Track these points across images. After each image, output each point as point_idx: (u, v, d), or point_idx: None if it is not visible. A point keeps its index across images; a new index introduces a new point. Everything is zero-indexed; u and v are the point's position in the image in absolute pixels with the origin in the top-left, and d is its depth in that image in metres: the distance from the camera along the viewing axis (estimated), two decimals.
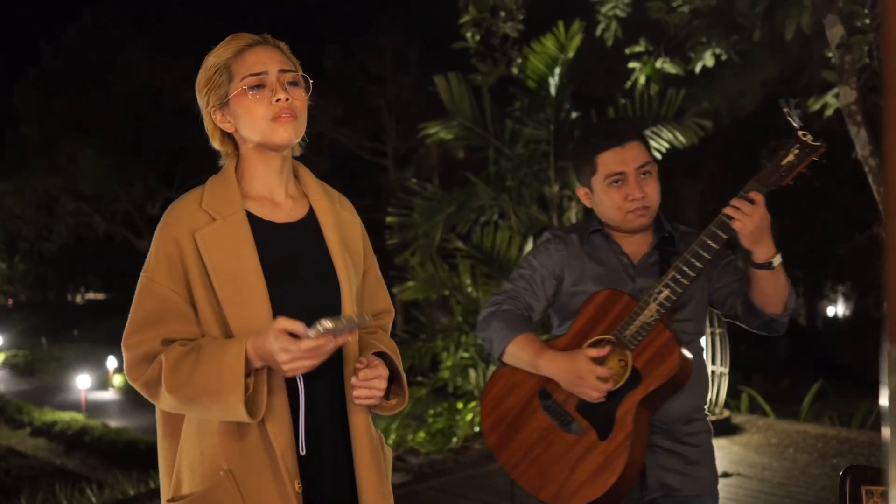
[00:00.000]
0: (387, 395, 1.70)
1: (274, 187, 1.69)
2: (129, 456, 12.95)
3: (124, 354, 1.60)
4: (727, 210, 1.90)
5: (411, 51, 24.84)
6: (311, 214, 1.72)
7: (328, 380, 1.62)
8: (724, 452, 5.60)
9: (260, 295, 1.57)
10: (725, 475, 5.00)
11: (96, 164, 27.55)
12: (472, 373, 7.36)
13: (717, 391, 6.25)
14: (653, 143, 6.89)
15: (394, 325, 2.03)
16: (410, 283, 7.38)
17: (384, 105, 24.60)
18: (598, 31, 5.60)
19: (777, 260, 1.93)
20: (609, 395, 1.97)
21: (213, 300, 1.58)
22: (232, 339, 1.54)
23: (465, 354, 7.52)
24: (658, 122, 6.85)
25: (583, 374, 1.94)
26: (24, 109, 28.57)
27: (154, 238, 1.65)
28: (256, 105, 1.61)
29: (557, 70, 6.94)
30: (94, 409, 17.82)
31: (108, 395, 20.26)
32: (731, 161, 15.20)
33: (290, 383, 1.58)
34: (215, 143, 1.72)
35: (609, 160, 2.07)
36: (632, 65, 5.64)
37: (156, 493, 5.02)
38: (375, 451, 1.66)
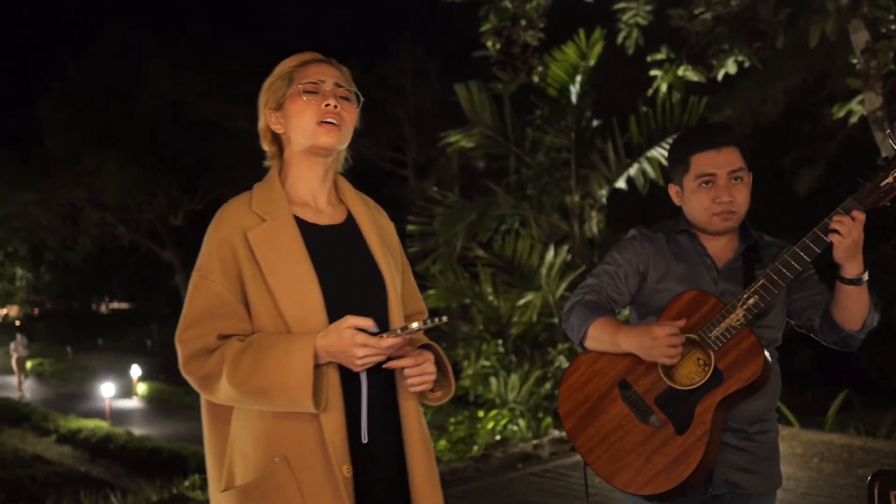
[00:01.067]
0: (432, 387, 1.79)
1: (317, 193, 1.80)
2: (153, 463, 13.02)
3: (179, 349, 1.68)
4: (832, 224, 1.95)
5: (431, 62, 24.96)
6: (351, 219, 1.82)
7: (381, 370, 1.69)
8: None
9: (314, 290, 1.66)
10: None
11: (120, 175, 27.84)
12: (492, 381, 7.34)
13: None
14: None
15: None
16: (431, 292, 7.39)
17: (405, 116, 24.69)
18: (620, 39, 5.60)
19: (866, 276, 1.99)
20: (689, 392, 2.03)
21: (266, 296, 1.65)
22: (296, 335, 1.62)
23: (486, 363, 7.51)
24: (680, 130, 6.83)
25: (657, 335, 1.98)
26: (49, 123, 28.96)
27: (206, 238, 1.74)
28: (307, 107, 1.73)
29: (578, 78, 6.95)
30: (118, 416, 17.94)
31: (132, 403, 20.41)
32: (753, 169, 15.09)
33: (343, 373, 1.66)
34: (265, 144, 1.84)
35: (703, 161, 2.12)
36: (653, 73, 5.63)
37: (179, 498, 5.04)
38: (426, 438, 1.77)
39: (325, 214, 1.79)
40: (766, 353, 2.03)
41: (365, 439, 1.65)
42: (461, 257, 7.50)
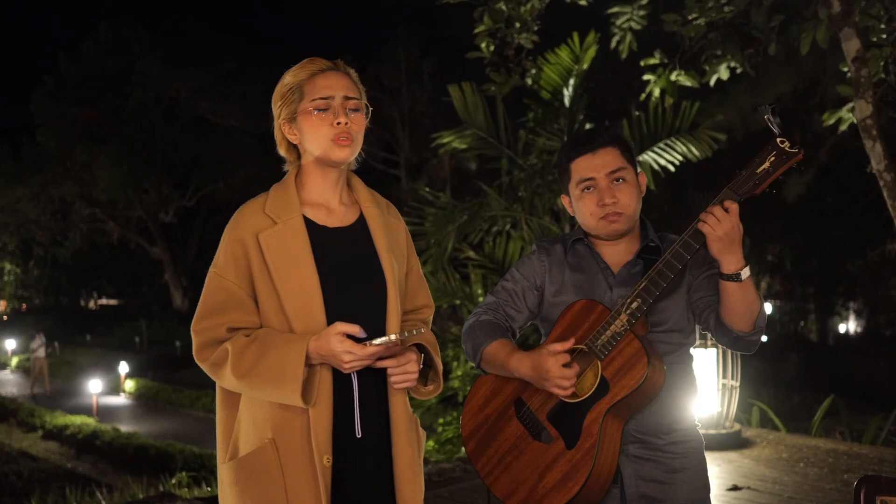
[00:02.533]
0: (425, 382, 1.95)
1: (329, 196, 1.91)
2: (139, 460, 13.00)
3: (194, 338, 1.83)
4: (702, 216, 1.89)
5: (425, 63, 24.97)
6: (362, 220, 1.93)
7: (371, 370, 1.83)
8: (735, 466, 5.58)
9: (315, 291, 1.79)
10: (735, 488, 4.99)
11: (111, 171, 27.76)
12: None
13: (728, 405, 6.23)
14: (666, 155, 6.89)
15: None
16: None
17: (398, 116, 24.71)
18: (613, 43, 5.62)
19: (745, 273, 1.90)
20: (578, 405, 1.98)
21: (272, 295, 1.80)
22: (295, 335, 1.78)
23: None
24: (672, 135, 6.86)
25: (549, 366, 1.94)
26: (40, 117, 28.84)
27: (223, 237, 1.86)
28: (320, 124, 1.83)
29: (572, 81, 6.96)
30: (105, 413, 17.89)
31: (120, 399, 20.35)
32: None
33: (336, 372, 1.80)
34: (281, 151, 1.95)
35: (580, 166, 2.09)
36: (646, 77, 5.66)
37: (166, 495, 5.05)
38: (411, 430, 1.89)
39: (337, 216, 1.90)
40: (654, 360, 1.95)
41: (359, 434, 1.81)
42: (452, 258, 7.50)
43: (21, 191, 28.62)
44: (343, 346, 1.71)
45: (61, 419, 16.24)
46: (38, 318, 36.62)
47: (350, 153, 1.86)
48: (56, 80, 29.59)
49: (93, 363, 23.78)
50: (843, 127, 5.49)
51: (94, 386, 18.25)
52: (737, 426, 6.36)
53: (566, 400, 1.99)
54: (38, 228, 30.63)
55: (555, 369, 1.93)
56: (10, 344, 28.27)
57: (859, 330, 24.80)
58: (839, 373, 16.83)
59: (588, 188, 2.08)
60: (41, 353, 21.60)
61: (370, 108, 1.91)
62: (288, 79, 1.88)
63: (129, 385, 20.83)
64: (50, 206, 29.60)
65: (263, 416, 1.80)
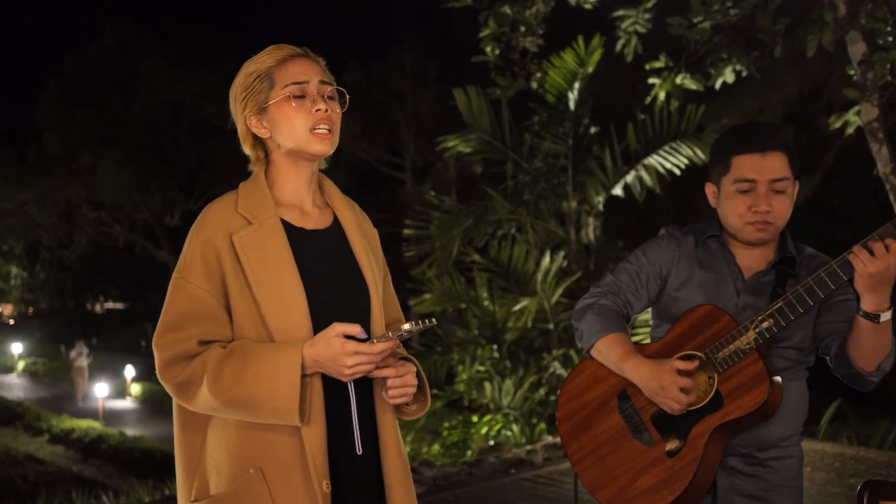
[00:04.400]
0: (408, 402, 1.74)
1: (303, 196, 1.73)
2: (145, 464, 13.00)
3: (156, 354, 1.61)
4: (855, 249, 1.76)
5: (431, 66, 24.98)
6: (337, 223, 1.75)
7: (363, 382, 1.66)
8: None
9: (299, 297, 1.60)
10: None
11: (117, 174, 27.82)
12: (487, 386, 7.34)
13: None
14: (672, 158, 6.88)
15: (410, 339, 2.02)
16: (427, 296, 7.39)
17: (403, 120, 24.71)
18: (618, 47, 5.61)
19: (885, 316, 1.78)
20: (686, 413, 1.91)
21: (250, 302, 1.59)
22: (282, 344, 1.56)
23: (481, 368, 7.51)
24: (677, 138, 6.85)
25: (666, 384, 1.88)
26: (46, 120, 28.93)
27: (189, 240, 1.66)
28: (296, 113, 1.64)
29: (577, 85, 6.96)
30: (111, 417, 17.91)
31: (126, 403, 20.37)
32: None
33: (326, 385, 1.61)
34: (246, 148, 1.76)
35: (744, 164, 1.94)
36: (651, 80, 5.65)
37: (171, 499, 5.04)
38: (402, 450, 1.71)
39: (312, 218, 1.73)
40: (775, 381, 1.87)
41: (360, 451, 1.63)
42: (457, 262, 7.50)
43: (27, 194, 28.71)
44: (347, 346, 1.51)
45: (67, 423, 16.27)
46: (45, 321, 36.71)
47: (330, 147, 1.67)
48: (61, 84, 29.68)
49: (99, 367, 23.78)
50: (850, 130, 5.47)
51: (99, 389, 18.27)
52: None
53: None
54: (44, 232, 30.70)
55: (672, 389, 1.87)
56: (17, 348, 28.31)
57: None
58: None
59: (746, 190, 1.94)
60: (81, 362, 20.51)
61: (347, 96, 1.72)
62: (252, 66, 1.70)
63: (136, 389, 20.85)
64: (56, 209, 29.67)
65: (241, 442, 1.58)
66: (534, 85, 6.69)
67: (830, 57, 5.49)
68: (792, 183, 1.97)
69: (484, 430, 7.24)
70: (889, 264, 1.73)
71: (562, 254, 7.24)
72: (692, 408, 1.91)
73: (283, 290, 1.59)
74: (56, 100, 29.01)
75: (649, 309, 2.20)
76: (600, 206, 7.39)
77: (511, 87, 6.00)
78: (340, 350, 1.52)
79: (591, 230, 7.38)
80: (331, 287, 1.67)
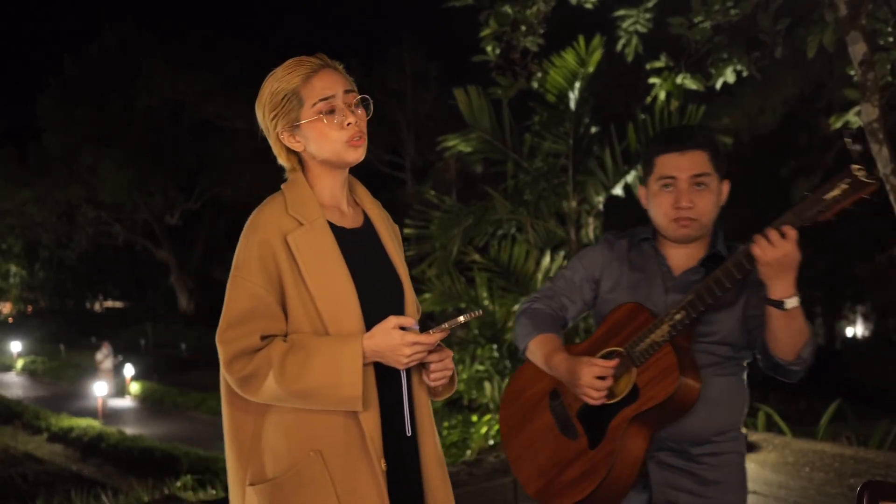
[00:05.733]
0: None
1: (339, 197, 1.85)
2: (145, 463, 13.00)
3: (221, 349, 1.70)
4: (755, 237, 1.80)
5: (431, 66, 25.00)
6: (368, 222, 1.89)
7: (406, 369, 1.79)
8: None
9: (350, 291, 1.73)
10: None
11: (117, 174, 27.85)
12: (487, 386, 7.35)
13: None
14: None
15: None
16: (427, 296, 7.39)
17: (403, 119, 24.73)
18: (619, 47, 5.61)
19: (791, 303, 1.81)
20: (607, 408, 1.96)
21: (306, 296, 1.71)
22: (342, 337, 1.69)
23: (481, 367, 7.51)
24: None
25: (581, 376, 1.94)
26: (46, 120, 28.95)
27: (244, 242, 1.75)
28: (329, 129, 1.75)
29: (577, 84, 6.96)
30: (110, 416, 17.91)
31: (125, 402, 20.37)
32: (750, 179, 15.15)
33: (378, 371, 1.73)
34: (281, 160, 1.85)
35: (665, 163, 2.03)
36: (652, 80, 5.65)
37: (170, 498, 5.04)
38: (434, 428, 1.86)
39: (348, 218, 1.85)
40: (688, 375, 1.90)
41: (409, 432, 1.76)
42: (457, 261, 7.50)
43: (27, 193, 28.73)
44: (405, 338, 1.65)
45: (66, 422, 16.27)
46: (44, 320, 36.72)
47: (363, 153, 1.79)
48: (61, 83, 29.71)
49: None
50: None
51: (99, 388, 18.27)
52: (743, 430, 6.34)
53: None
54: (44, 231, 30.74)
55: (586, 378, 1.93)
56: (16, 346, 28.33)
57: (867, 334, 24.73)
58: (846, 377, 16.76)
59: (667, 186, 2.02)
60: (108, 364, 19.79)
61: (371, 101, 1.82)
62: (279, 86, 1.76)
63: (135, 388, 20.85)
64: (56, 208, 29.70)
65: (299, 426, 1.69)
66: (534, 84, 6.69)
67: (831, 57, 5.49)
68: (716, 180, 2.02)
69: (484, 430, 7.24)
70: (786, 251, 1.76)
71: (562, 253, 7.24)
72: (612, 401, 1.96)
73: (335, 286, 1.71)
74: (56, 100, 29.02)
75: None
76: (600, 206, 7.39)
77: (512, 86, 6.00)
78: (400, 341, 1.65)
79: (591, 230, 7.38)
80: (373, 282, 1.79)
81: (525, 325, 2.15)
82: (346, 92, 1.76)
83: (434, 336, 1.68)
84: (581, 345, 2.11)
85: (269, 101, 1.78)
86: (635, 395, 1.94)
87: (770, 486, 5.16)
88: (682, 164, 2.00)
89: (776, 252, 1.76)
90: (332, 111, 1.74)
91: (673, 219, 2.01)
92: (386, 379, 1.74)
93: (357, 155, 1.77)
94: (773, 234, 1.77)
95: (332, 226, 1.78)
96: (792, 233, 1.77)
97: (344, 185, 1.85)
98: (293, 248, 1.71)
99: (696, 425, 1.98)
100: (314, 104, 1.74)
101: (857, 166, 1.76)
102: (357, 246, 1.81)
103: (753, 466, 5.69)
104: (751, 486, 5.15)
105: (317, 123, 1.74)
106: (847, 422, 8.09)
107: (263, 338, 1.69)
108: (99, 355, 20.03)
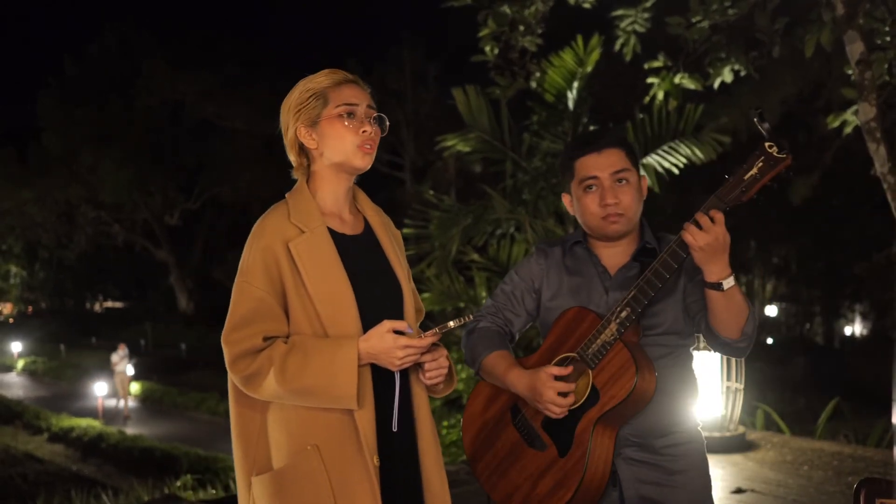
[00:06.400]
0: None
1: (342, 205, 1.94)
2: (145, 462, 13.01)
3: (226, 349, 1.80)
4: (685, 225, 1.84)
5: (430, 66, 25.01)
6: (368, 228, 1.97)
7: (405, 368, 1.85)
8: (739, 469, 5.57)
9: (348, 297, 1.81)
10: (739, 491, 4.98)
11: (117, 174, 27.84)
12: None
13: (733, 407, 6.22)
14: (670, 158, 6.89)
15: None
16: (426, 295, 7.40)
17: (402, 119, 24.74)
18: (617, 46, 5.62)
19: (728, 283, 1.86)
20: (570, 413, 1.97)
21: (306, 301, 1.80)
22: (339, 339, 1.78)
23: None
24: (676, 137, 6.85)
25: (543, 390, 1.95)
26: (46, 120, 28.94)
27: (249, 247, 1.85)
28: (346, 131, 1.86)
29: (576, 84, 6.97)
30: (110, 415, 17.92)
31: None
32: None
33: (374, 371, 1.81)
34: (292, 156, 1.93)
35: (584, 165, 2.08)
36: (650, 80, 5.66)
37: (170, 498, 5.06)
38: (433, 426, 1.93)
39: (349, 224, 1.93)
40: (644, 369, 1.93)
41: (395, 428, 1.82)
42: (456, 261, 7.51)
43: (27, 194, 28.73)
44: (398, 341, 1.74)
45: (66, 422, 16.29)
46: (44, 320, 36.73)
47: (370, 162, 1.90)
48: (61, 83, 29.70)
49: (98, 366, 23.79)
50: (848, 130, 5.48)
51: (99, 388, 18.28)
52: (741, 429, 6.36)
53: None
54: (44, 231, 30.74)
55: (548, 394, 1.95)
56: (17, 347, 28.35)
57: (865, 332, 24.76)
58: (845, 375, 16.79)
59: (591, 187, 2.06)
60: (122, 367, 18.78)
61: (387, 122, 1.94)
62: (309, 85, 1.88)
63: (135, 388, 20.86)
64: (55, 208, 29.70)
65: (299, 422, 1.79)
66: (533, 84, 6.70)
67: (829, 56, 5.51)
68: (636, 175, 2.08)
69: None
70: (717, 234, 1.80)
71: None
72: (573, 407, 1.97)
73: (334, 290, 1.80)
74: (56, 99, 29.01)
75: None
76: None
77: (510, 86, 6.02)
78: (393, 344, 1.74)
79: None
80: (372, 286, 1.88)
81: (474, 345, 2.16)
82: (370, 107, 1.89)
83: (425, 340, 1.76)
84: (533, 356, 2.11)
85: (296, 98, 1.89)
86: (596, 396, 1.95)
87: (769, 485, 5.18)
88: (602, 163, 2.06)
89: (707, 237, 1.80)
90: (353, 116, 1.86)
91: (602, 217, 2.05)
92: (383, 379, 1.83)
93: (365, 162, 1.88)
94: (703, 219, 1.81)
95: (332, 233, 1.87)
96: (720, 216, 1.81)
97: (348, 192, 1.94)
98: (294, 254, 1.80)
99: (657, 417, 2.02)
100: (338, 106, 1.86)
101: (769, 143, 1.81)
102: (357, 252, 1.90)
103: (752, 465, 5.71)
104: (749, 484, 5.17)
105: (336, 122, 1.85)
106: (845, 420, 8.11)
107: (266, 339, 1.79)
108: (114, 357, 19.21)
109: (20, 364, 27.67)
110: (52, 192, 28.80)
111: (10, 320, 39.02)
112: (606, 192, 2.04)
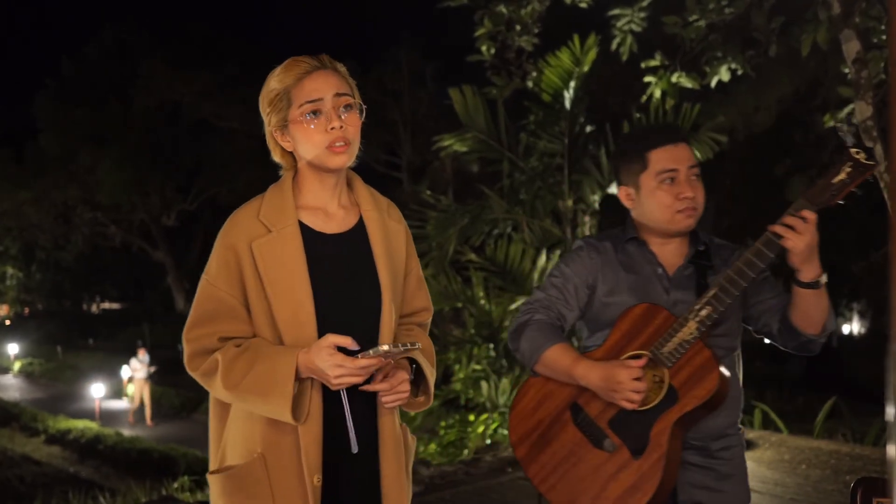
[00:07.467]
0: (416, 393, 1.86)
1: (327, 200, 1.83)
2: (142, 464, 12.99)
3: (185, 347, 1.78)
4: (777, 228, 1.84)
5: (427, 66, 24.98)
6: (361, 224, 1.84)
7: (360, 383, 1.74)
8: None
9: (306, 303, 1.72)
10: None
11: (114, 175, 27.79)
12: (483, 385, 7.35)
13: None
14: None
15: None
16: None
17: (400, 119, 24.72)
18: (614, 46, 5.62)
19: (823, 279, 1.88)
20: (643, 413, 1.92)
21: (265, 304, 1.73)
22: (284, 349, 1.70)
23: (477, 367, 7.52)
24: None
25: (622, 380, 1.89)
26: (43, 120, 28.89)
27: (215, 244, 1.80)
28: (313, 132, 1.74)
29: (572, 84, 6.96)
30: (108, 417, 17.88)
31: (123, 403, 20.32)
32: (746, 177, 15.16)
33: (326, 386, 1.72)
34: (276, 157, 1.86)
35: (662, 157, 2.02)
36: (647, 79, 5.65)
37: (168, 499, 5.06)
38: (398, 446, 1.81)
39: (336, 220, 1.82)
40: (722, 368, 1.91)
41: (355, 449, 1.73)
42: (453, 261, 7.50)
43: (24, 195, 28.66)
44: (332, 359, 1.63)
45: (64, 423, 16.25)
46: (41, 322, 36.65)
47: (347, 159, 1.77)
48: (59, 84, 29.64)
49: (95, 367, 23.75)
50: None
51: (96, 390, 18.24)
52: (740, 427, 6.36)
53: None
54: (41, 232, 30.66)
55: (628, 382, 1.89)
56: (13, 348, 28.29)
57: (863, 331, 24.75)
58: (843, 374, 16.79)
59: (669, 180, 2.00)
60: (143, 373, 17.46)
61: (364, 106, 1.81)
62: (274, 84, 1.77)
63: (132, 389, 20.81)
64: (53, 209, 29.62)
65: (253, 430, 1.74)
66: (529, 84, 6.70)
67: (825, 55, 5.50)
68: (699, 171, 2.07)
69: (481, 429, 7.24)
70: (812, 233, 1.83)
71: (558, 253, 7.25)
72: (647, 406, 1.92)
73: (292, 295, 1.72)
74: (54, 100, 28.96)
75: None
76: (596, 205, 7.39)
77: (507, 86, 6.01)
78: (328, 361, 1.63)
79: (587, 229, 7.38)
80: (342, 290, 1.77)
81: (533, 338, 2.07)
82: (338, 95, 1.74)
83: (360, 362, 1.63)
84: (597, 351, 2.04)
85: (265, 96, 1.79)
86: (674, 397, 1.90)
87: (766, 484, 5.17)
88: (681, 156, 2.02)
89: (805, 238, 1.82)
90: (317, 113, 1.73)
91: (677, 210, 2.00)
92: (338, 394, 1.73)
93: (339, 161, 1.75)
94: (796, 221, 1.82)
95: (309, 231, 1.78)
96: (812, 216, 1.82)
97: (334, 187, 1.83)
98: (256, 255, 1.73)
99: (717, 420, 1.99)
100: (301, 105, 1.73)
101: (855, 149, 1.83)
102: (335, 252, 1.79)
103: (750, 464, 5.69)
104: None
105: (301, 125, 1.74)
106: (843, 419, 8.11)
107: (222, 339, 1.75)
108: (134, 362, 17.78)
109: (17, 366, 27.59)
110: (49, 193, 28.73)
111: (7, 322, 38.92)
112: (685, 185, 2.00)
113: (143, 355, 17.93)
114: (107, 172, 27.66)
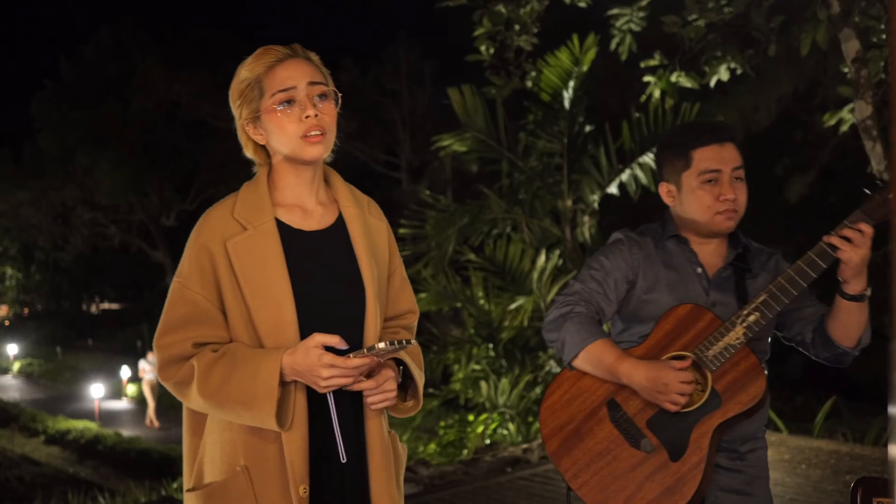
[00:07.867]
0: (404, 397, 1.77)
1: (304, 196, 1.74)
2: (142, 465, 12.99)
3: (156, 354, 1.67)
4: (833, 239, 1.82)
5: (426, 65, 24.98)
6: (341, 221, 1.75)
7: (345, 390, 1.65)
8: None
9: (287, 304, 1.62)
10: None
11: (113, 175, 27.78)
12: (483, 385, 7.35)
13: None
14: None
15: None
16: (423, 295, 7.39)
17: (398, 119, 24.71)
18: (613, 45, 5.62)
19: (868, 292, 1.87)
20: (683, 416, 1.89)
21: (242, 306, 1.63)
22: (266, 351, 1.60)
23: (477, 367, 7.52)
24: None
25: (669, 381, 1.86)
26: (42, 121, 28.88)
27: (187, 245, 1.70)
28: (287, 121, 1.65)
29: (571, 83, 6.97)
30: (107, 418, 17.88)
31: (122, 404, 20.34)
32: (745, 176, 15.15)
33: (311, 392, 1.63)
34: (248, 153, 1.77)
35: (707, 156, 1.97)
36: (646, 79, 5.65)
37: (168, 500, 5.05)
38: (387, 453, 1.72)
39: (314, 217, 1.73)
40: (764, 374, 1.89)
41: (344, 459, 1.64)
42: (453, 261, 7.50)
43: (22, 195, 28.65)
44: (323, 359, 1.53)
45: (63, 424, 16.24)
46: (40, 322, 36.64)
47: (323, 150, 1.67)
48: (57, 84, 29.64)
49: (95, 368, 23.76)
50: (844, 128, 5.47)
51: (95, 390, 18.23)
52: None
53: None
54: (40, 233, 30.63)
55: (675, 384, 1.86)
56: (13, 349, 28.27)
57: None
58: (842, 374, 16.79)
59: (712, 180, 1.97)
60: (152, 375, 17.23)
61: (339, 94, 1.71)
62: (243, 73, 1.70)
63: (131, 389, 20.81)
64: (51, 210, 29.61)
65: (233, 441, 1.63)
66: (529, 84, 6.70)
67: (825, 55, 5.50)
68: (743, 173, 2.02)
69: (480, 429, 7.24)
70: (868, 247, 1.82)
71: (557, 252, 7.25)
72: (689, 409, 1.89)
73: (271, 296, 1.62)
74: (51, 101, 28.94)
75: None
76: (595, 205, 7.39)
77: (506, 86, 6.00)
78: (317, 362, 1.54)
79: (586, 229, 7.39)
80: (324, 289, 1.68)
81: (574, 331, 2.00)
82: (312, 84, 1.66)
83: (353, 361, 1.54)
84: (639, 349, 1.99)
85: (235, 88, 1.72)
86: (716, 401, 1.87)
87: None
88: (725, 157, 1.98)
89: (861, 251, 1.82)
90: (290, 102, 1.65)
91: (718, 212, 1.96)
92: (324, 400, 1.64)
93: (315, 152, 1.66)
94: (855, 234, 1.81)
95: (287, 228, 1.69)
96: (869, 230, 1.82)
97: (311, 182, 1.73)
98: (231, 255, 1.63)
99: (752, 424, 1.98)
100: (273, 94, 1.65)
101: None
102: (314, 250, 1.70)
103: None
104: None
105: (274, 115, 1.66)
106: (843, 419, 8.10)
107: (197, 345, 1.64)
108: (143, 364, 17.76)
109: (16, 366, 27.58)
110: (47, 193, 28.72)
111: (6, 322, 38.90)
112: (727, 187, 1.96)
113: (152, 357, 17.55)
114: (105, 173, 27.66)
